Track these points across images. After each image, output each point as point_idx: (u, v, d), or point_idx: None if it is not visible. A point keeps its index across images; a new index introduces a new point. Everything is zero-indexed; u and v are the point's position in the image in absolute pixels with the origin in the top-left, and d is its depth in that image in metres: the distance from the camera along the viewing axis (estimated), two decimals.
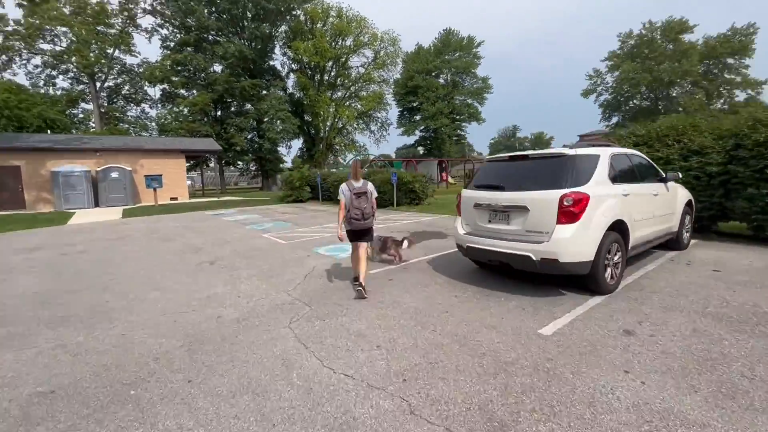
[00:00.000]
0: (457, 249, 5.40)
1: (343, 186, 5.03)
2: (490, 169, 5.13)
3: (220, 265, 6.79)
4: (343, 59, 45.93)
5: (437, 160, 41.90)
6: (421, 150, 53.44)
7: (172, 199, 24.45)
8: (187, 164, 35.76)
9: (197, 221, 13.92)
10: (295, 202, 21.11)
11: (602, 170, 4.53)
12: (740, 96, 36.60)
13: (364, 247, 5.16)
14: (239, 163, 42.84)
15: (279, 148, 44.41)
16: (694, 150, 7.12)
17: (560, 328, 3.63)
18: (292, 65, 46.60)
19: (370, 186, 5.13)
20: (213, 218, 14.89)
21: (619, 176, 4.81)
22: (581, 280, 4.38)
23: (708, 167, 6.87)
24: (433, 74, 49.15)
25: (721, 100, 38.37)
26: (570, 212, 4.06)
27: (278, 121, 40.62)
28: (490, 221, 4.72)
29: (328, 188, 20.30)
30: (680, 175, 6.09)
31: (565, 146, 6.96)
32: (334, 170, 28.88)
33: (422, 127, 49.19)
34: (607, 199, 4.41)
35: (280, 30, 44.16)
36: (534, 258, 4.17)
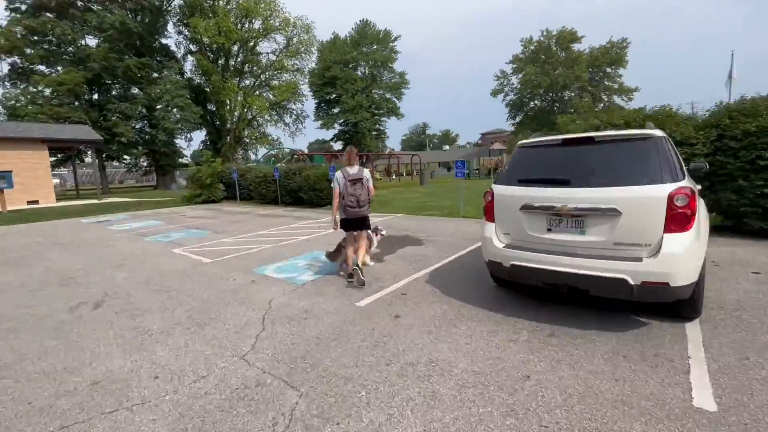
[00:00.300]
0: (490, 267, 3.91)
1: (338, 173, 4.90)
2: (536, 157, 3.75)
3: (113, 308, 4.35)
4: (252, 44, 41.60)
5: (359, 154, 40.71)
6: (338, 145, 51.49)
7: (30, 203, 18.88)
8: (54, 158, 28.59)
9: (69, 233, 10.29)
10: (206, 203, 17.74)
11: (679, 158, 3.48)
12: (617, 100, 42.40)
13: (364, 236, 5.09)
14: (126, 157, 35.91)
15: (177, 140, 38.48)
16: (678, 141, 6.82)
17: (719, 392, 2.38)
18: (190, 46, 40.74)
19: (366, 173, 4.88)
20: (94, 228, 11.27)
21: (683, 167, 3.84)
22: (659, 304, 3.25)
23: (694, 159, 6.58)
24: (351, 66, 47.58)
25: (601, 105, 43.98)
26: (682, 216, 2.88)
27: (175, 109, 34.95)
28: (550, 229, 3.36)
29: (247, 185, 17.41)
30: (707, 166, 5.13)
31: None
32: (255, 164, 25.54)
33: (341, 120, 47.33)
34: (700, 197, 3.39)
35: (173, 3, 38.09)
36: (631, 282, 2.91)
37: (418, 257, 6.07)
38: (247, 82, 43.04)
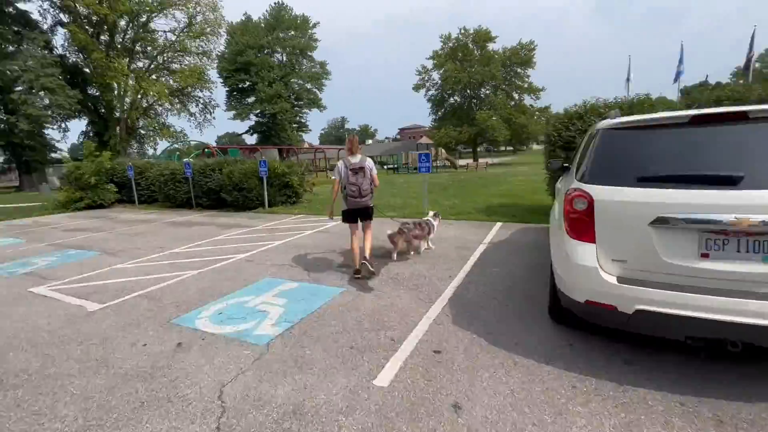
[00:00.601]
0: (580, 310, 2.60)
1: (339, 163, 4.72)
2: (650, 143, 2.48)
3: None
4: (144, 18, 35.52)
5: (278, 147, 37.35)
6: (252, 138, 47.22)
7: None
8: None
9: None
10: (91, 209, 13.95)
11: None
12: (527, 100, 45.88)
13: (370, 227, 4.92)
14: None
15: (48, 131, 31.25)
16: None
17: None
18: (60, 15, 33.24)
19: (369, 162, 4.72)
20: None
21: None
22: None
23: None
24: (266, 52, 43.65)
25: (512, 102, 47.10)
26: None
27: (42, 92, 28.11)
28: (706, 255, 2.15)
29: (149, 185, 14.07)
30: None
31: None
32: (156, 159, 21.32)
33: (258, 110, 43.23)
34: None
35: None
36: None
37: (414, 280, 4.59)
38: (141, 64, 36.75)
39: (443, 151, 33.57)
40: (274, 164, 11.25)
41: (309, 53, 46.55)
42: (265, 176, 10.66)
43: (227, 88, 44.70)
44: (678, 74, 22.02)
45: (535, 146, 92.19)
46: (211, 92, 40.56)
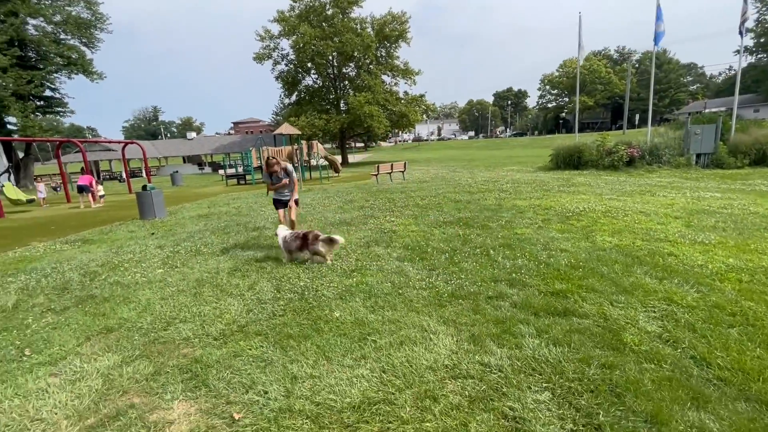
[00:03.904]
0: None
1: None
2: None
3: None
4: None
5: None
6: None
7: None
8: None
9: None
10: None
11: None
12: (402, 85, 37.64)
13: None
14: None
15: None
16: None
17: None
18: None
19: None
20: None
21: None
22: None
23: None
24: None
25: (385, 86, 38.37)
26: None
27: None
28: None
29: None
30: None
31: None
32: None
33: None
34: None
35: None
36: None
37: None
38: None
39: (319, 145, 21.57)
40: None
41: None
42: None
43: None
44: (657, 36, 16.26)
45: (383, 143, 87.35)
46: None
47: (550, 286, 4.03)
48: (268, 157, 6.30)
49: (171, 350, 3.25)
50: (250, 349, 3.16)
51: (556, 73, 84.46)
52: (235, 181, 22.29)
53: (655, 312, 3.41)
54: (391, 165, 16.45)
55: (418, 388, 2.55)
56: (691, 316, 3.30)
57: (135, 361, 3.09)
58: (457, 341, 3.11)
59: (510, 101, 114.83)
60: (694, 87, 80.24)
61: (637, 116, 61.40)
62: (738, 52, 30.15)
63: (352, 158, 46.26)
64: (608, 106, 79.94)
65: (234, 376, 2.81)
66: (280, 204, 6.43)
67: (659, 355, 2.74)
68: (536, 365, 2.71)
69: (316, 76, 36.99)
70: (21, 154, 29.16)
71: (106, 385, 2.80)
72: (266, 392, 2.60)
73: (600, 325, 3.23)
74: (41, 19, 25.88)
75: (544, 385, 2.51)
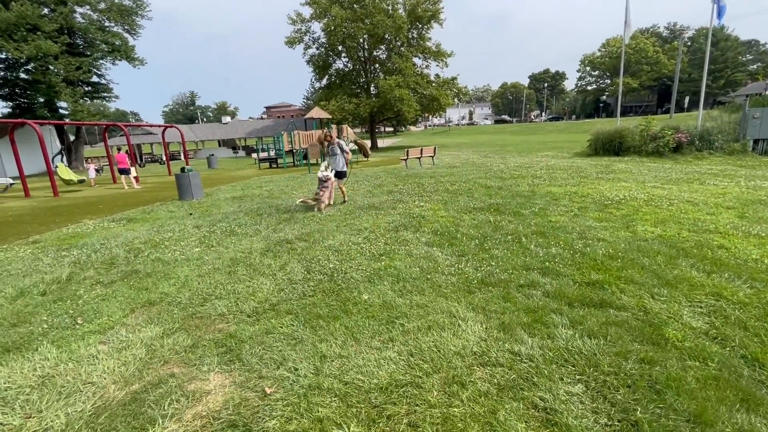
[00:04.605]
0: None
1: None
2: None
3: None
4: None
5: (55, 124, 19.67)
6: None
7: None
8: None
9: None
10: None
11: None
12: (433, 68, 36.68)
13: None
14: None
15: None
16: None
17: None
18: None
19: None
20: None
21: None
22: None
23: None
24: None
25: (417, 69, 37.62)
26: None
27: None
28: None
29: None
30: None
31: None
32: None
33: None
34: None
35: None
36: None
37: None
38: None
39: (349, 129, 21.62)
40: None
41: None
42: None
43: None
44: (721, 10, 15.00)
45: (412, 128, 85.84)
46: None
47: (586, 276, 3.88)
48: (325, 133, 8.19)
49: (207, 325, 3.42)
50: (281, 327, 3.26)
51: (598, 53, 79.44)
52: (267, 164, 22.81)
53: (701, 307, 3.21)
54: (421, 150, 16.23)
55: (446, 373, 2.55)
56: (742, 313, 3.08)
57: (175, 334, 3.27)
58: (486, 328, 3.07)
59: (546, 83, 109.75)
60: (755, 66, 73.20)
61: (687, 99, 57.10)
62: None
63: (381, 143, 46.10)
64: (654, 88, 74.67)
65: (266, 352, 2.92)
66: (339, 175, 8.18)
67: (705, 353, 2.59)
68: (569, 356, 2.63)
69: (347, 59, 36.79)
70: (72, 138, 31.09)
71: (149, 355, 2.98)
72: (296, 369, 2.68)
73: (639, 318, 3.08)
74: (87, 7, 27.07)
75: (578, 377, 2.44)
